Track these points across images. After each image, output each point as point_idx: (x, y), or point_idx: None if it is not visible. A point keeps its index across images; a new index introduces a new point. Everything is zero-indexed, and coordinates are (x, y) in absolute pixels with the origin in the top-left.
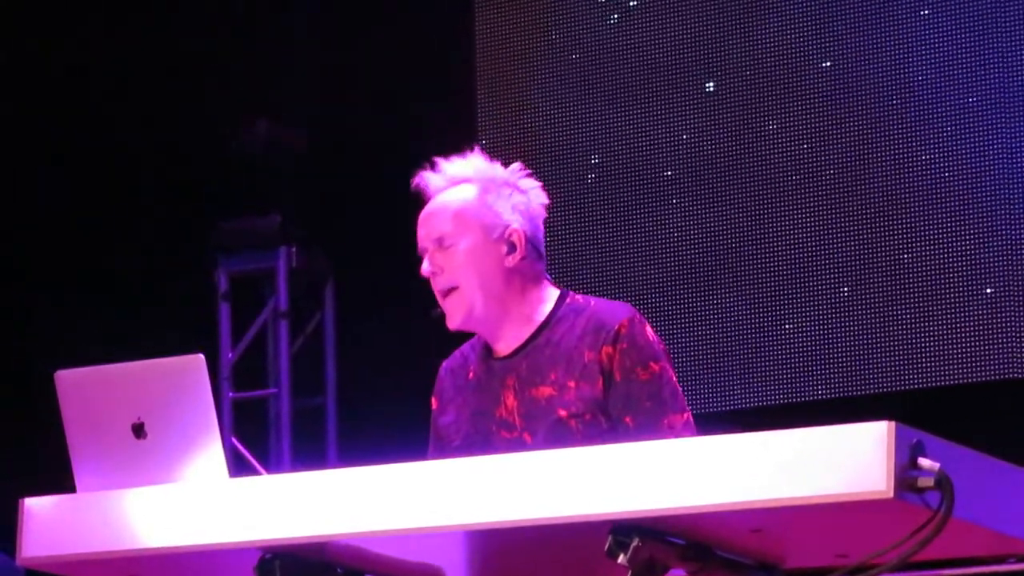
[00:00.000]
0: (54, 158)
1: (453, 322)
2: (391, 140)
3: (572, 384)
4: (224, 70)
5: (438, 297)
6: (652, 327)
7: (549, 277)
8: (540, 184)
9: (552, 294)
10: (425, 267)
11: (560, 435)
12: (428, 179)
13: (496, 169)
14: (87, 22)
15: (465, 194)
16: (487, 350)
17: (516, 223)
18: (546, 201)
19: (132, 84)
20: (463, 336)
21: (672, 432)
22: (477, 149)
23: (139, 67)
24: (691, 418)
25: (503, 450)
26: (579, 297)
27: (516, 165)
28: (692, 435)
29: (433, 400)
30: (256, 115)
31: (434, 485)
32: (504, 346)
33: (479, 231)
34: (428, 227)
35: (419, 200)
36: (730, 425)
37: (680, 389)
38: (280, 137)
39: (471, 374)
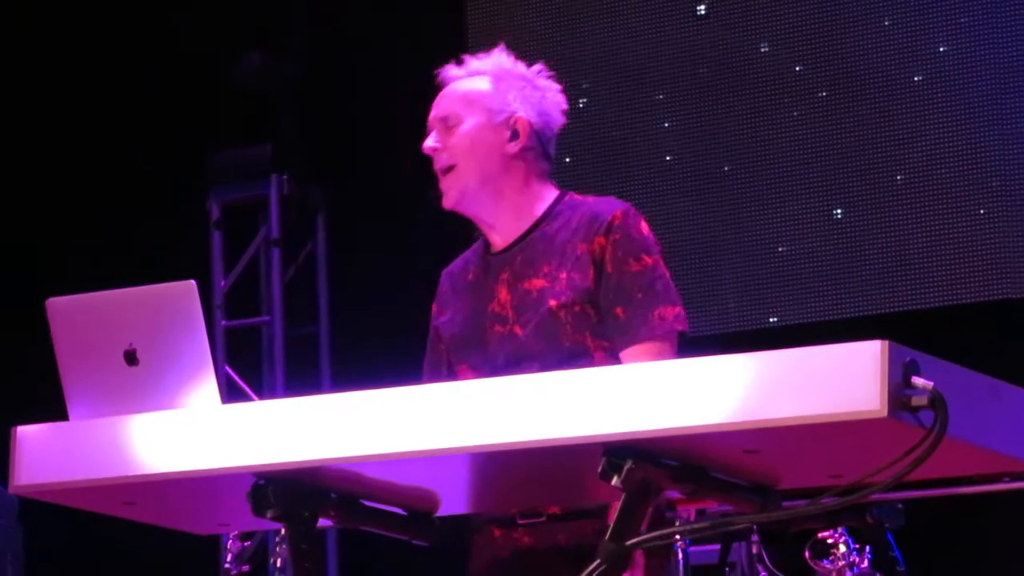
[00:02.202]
0: (45, 89)
1: (448, 200)
2: (382, 70)
3: (563, 275)
4: (217, 3)
5: (438, 177)
6: (647, 223)
7: (553, 180)
8: (561, 89)
9: (552, 193)
10: (428, 142)
11: (550, 327)
12: (449, 70)
13: (518, 66)
14: None
15: (479, 80)
16: (485, 247)
17: (522, 112)
18: (565, 106)
19: (124, 14)
20: (456, 254)
21: (663, 323)
22: (503, 47)
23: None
24: (683, 313)
25: (495, 344)
26: (577, 196)
27: (539, 65)
28: (683, 329)
29: (433, 306)
30: (249, 45)
31: (427, 409)
32: (500, 239)
33: (484, 113)
34: (437, 107)
35: (412, 128)
36: (724, 348)
37: (672, 283)
38: (273, 67)
39: (470, 275)
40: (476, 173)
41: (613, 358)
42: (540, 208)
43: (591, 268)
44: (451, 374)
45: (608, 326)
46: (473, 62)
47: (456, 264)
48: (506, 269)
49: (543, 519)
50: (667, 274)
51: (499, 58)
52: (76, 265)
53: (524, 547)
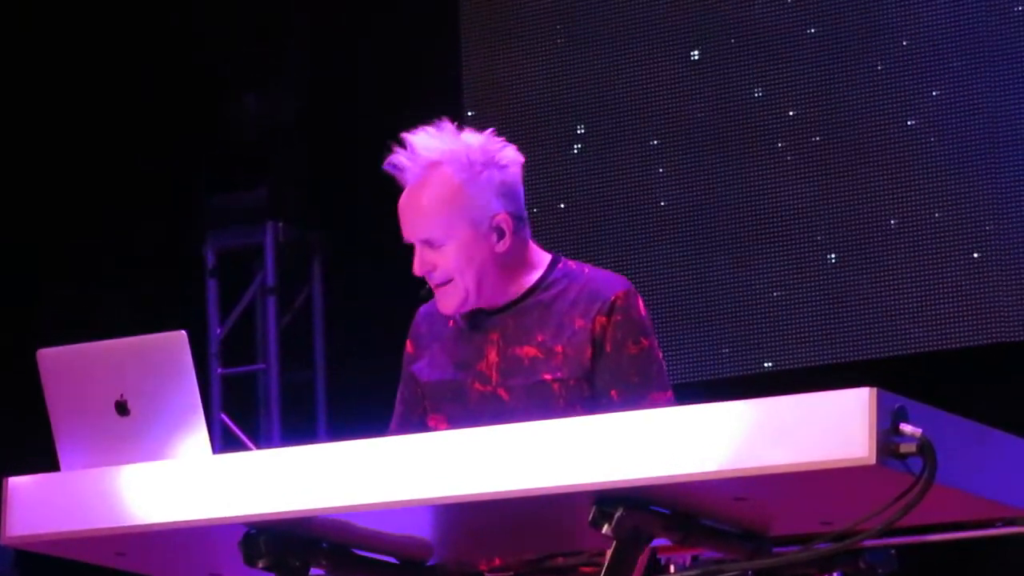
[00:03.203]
0: (40, 134)
1: (447, 308)
2: (378, 114)
3: (559, 349)
4: (212, 44)
5: (431, 285)
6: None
7: (535, 240)
8: (511, 145)
9: (543, 258)
10: (417, 268)
11: (541, 397)
12: (400, 162)
13: (469, 144)
14: None
15: (444, 188)
16: None
17: (499, 206)
18: (521, 160)
19: (119, 58)
20: None
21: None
22: (446, 121)
23: (126, 41)
24: (673, 396)
25: (475, 403)
26: (572, 263)
27: (487, 132)
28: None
29: (408, 343)
30: (244, 90)
31: (418, 458)
32: (490, 307)
33: (466, 227)
34: (412, 227)
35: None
36: (715, 393)
37: (665, 367)
38: (267, 113)
39: (451, 323)
40: (474, 282)
41: None
42: (534, 276)
43: (589, 346)
44: (424, 415)
45: (601, 405)
46: (419, 145)
47: (433, 304)
48: (496, 330)
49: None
50: (661, 356)
51: (447, 138)
52: (69, 314)
53: None
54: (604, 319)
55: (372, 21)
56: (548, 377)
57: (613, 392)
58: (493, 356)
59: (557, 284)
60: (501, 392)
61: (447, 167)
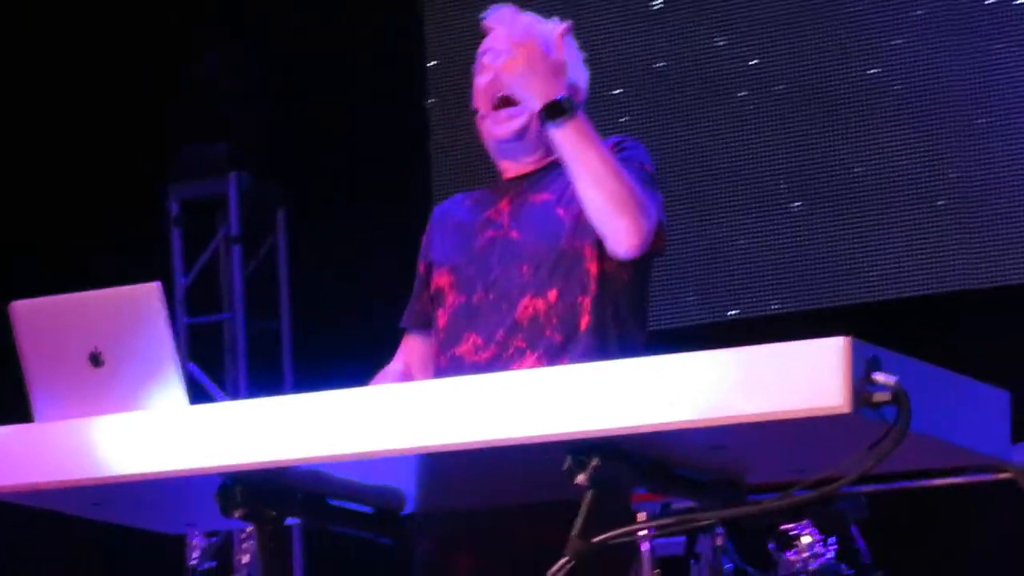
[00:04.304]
0: (8, 89)
1: (504, 130)
2: (343, 66)
3: (571, 190)
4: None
5: (488, 102)
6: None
7: None
8: None
9: None
10: (495, 59)
11: (549, 229)
12: (509, 8)
13: None
14: None
15: (551, 24)
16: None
17: (584, 78)
18: None
19: (83, 8)
20: (408, 272)
21: (654, 202)
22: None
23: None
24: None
25: (485, 246)
26: None
27: None
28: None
29: (423, 238)
30: (209, 41)
31: (392, 408)
32: (515, 171)
33: (558, 58)
34: (513, 27)
35: (372, 123)
36: (681, 341)
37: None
38: (232, 64)
39: (468, 201)
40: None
41: (603, 273)
42: (553, 156)
43: None
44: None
45: None
46: (533, 14)
47: (451, 198)
48: (513, 188)
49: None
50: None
51: (561, 24)
52: (37, 266)
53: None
54: (615, 145)
55: None
56: (561, 211)
57: None
58: (505, 205)
59: None
60: (512, 233)
61: (558, 24)
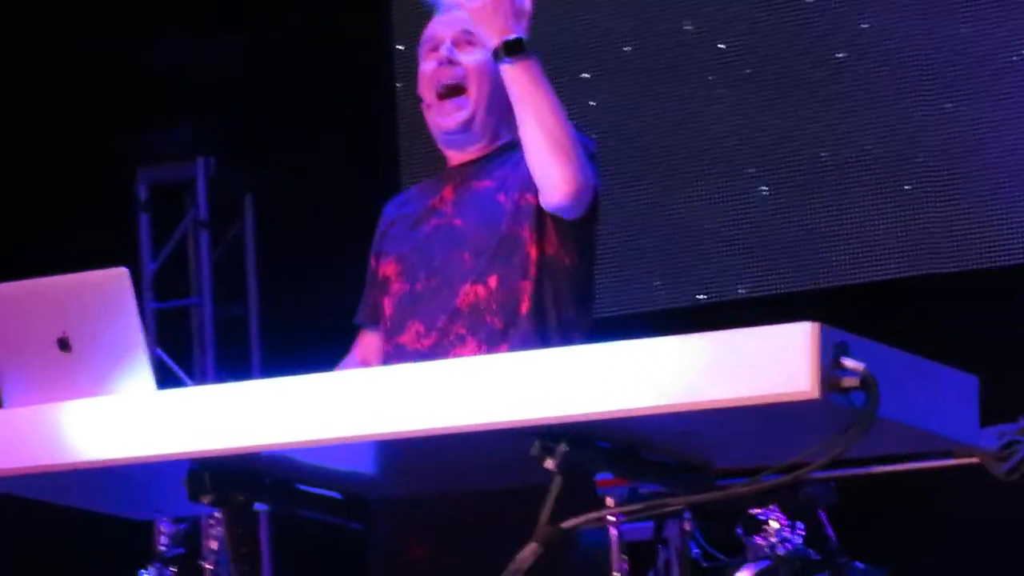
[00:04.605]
0: None
1: (450, 122)
2: (310, 50)
3: (515, 177)
4: None
5: (432, 91)
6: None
7: None
8: None
9: (515, 135)
10: (443, 52)
11: (489, 214)
12: None
13: None
14: None
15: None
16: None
17: (527, 5)
18: None
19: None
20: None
21: (593, 169)
22: None
23: None
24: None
25: (429, 236)
26: None
27: None
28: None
29: (375, 238)
30: (177, 26)
31: (360, 394)
32: (458, 159)
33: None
34: (455, 19)
35: (339, 108)
36: (649, 326)
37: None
38: (199, 48)
39: (415, 191)
40: (484, 98)
41: (543, 258)
42: (502, 142)
43: None
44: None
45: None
46: None
47: (401, 193)
48: (458, 176)
49: None
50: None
51: None
52: (3, 250)
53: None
54: None
55: None
56: (502, 197)
57: None
58: (449, 194)
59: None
60: (456, 221)
61: None
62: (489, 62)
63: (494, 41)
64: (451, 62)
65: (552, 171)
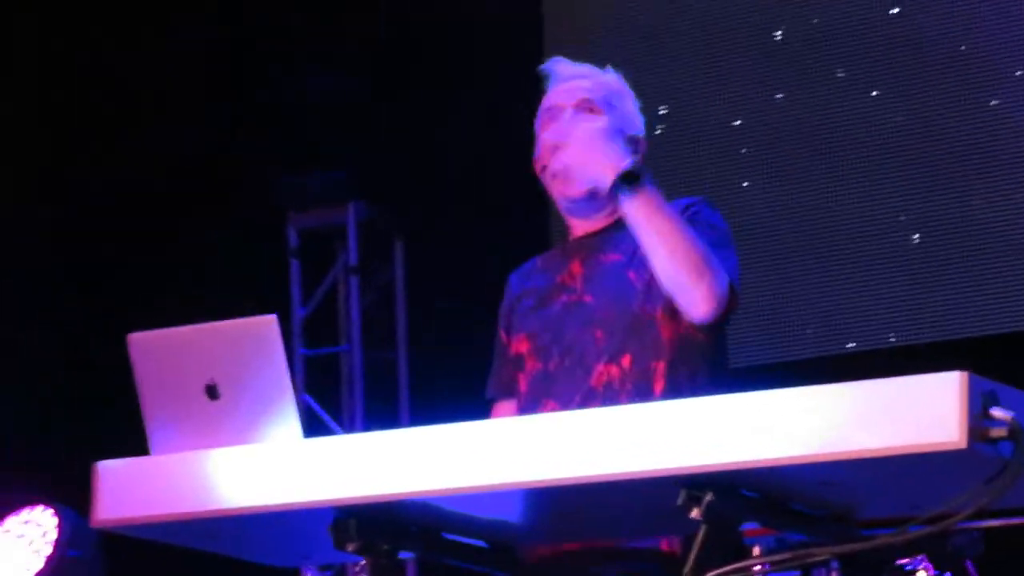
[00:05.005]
0: (125, 120)
1: (575, 189)
2: (457, 94)
3: (641, 250)
4: (286, 22)
5: (546, 174)
6: None
7: None
8: None
9: None
10: (554, 132)
11: (621, 293)
12: (563, 62)
13: None
14: None
15: (613, 82)
16: (563, 240)
17: (642, 134)
18: None
19: (199, 45)
20: None
21: (726, 265)
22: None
23: (200, 26)
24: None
25: (560, 311)
26: None
27: None
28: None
29: (501, 307)
30: (322, 67)
31: (505, 443)
32: (582, 230)
33: (620, 118)
34: (575, 88)
35: (489, 153)
36: (799, 374)
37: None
38: (347, 92)
39: (540, 263)
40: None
41: (676, 338)
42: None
43: None
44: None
45: None
46: (588, 65)
47: (525, 264)
48: (584, 249)
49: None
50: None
51: (615, 74)
52: (157, 297)
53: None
54: (686, 208)
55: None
56: (632, 275)
57: None
58: (578, 268)
59: None
60: (586, 298)
61: (613, 74)
62: (609, 129)
63: (609, 177)
64: (561, 143)
65: (689, 296)
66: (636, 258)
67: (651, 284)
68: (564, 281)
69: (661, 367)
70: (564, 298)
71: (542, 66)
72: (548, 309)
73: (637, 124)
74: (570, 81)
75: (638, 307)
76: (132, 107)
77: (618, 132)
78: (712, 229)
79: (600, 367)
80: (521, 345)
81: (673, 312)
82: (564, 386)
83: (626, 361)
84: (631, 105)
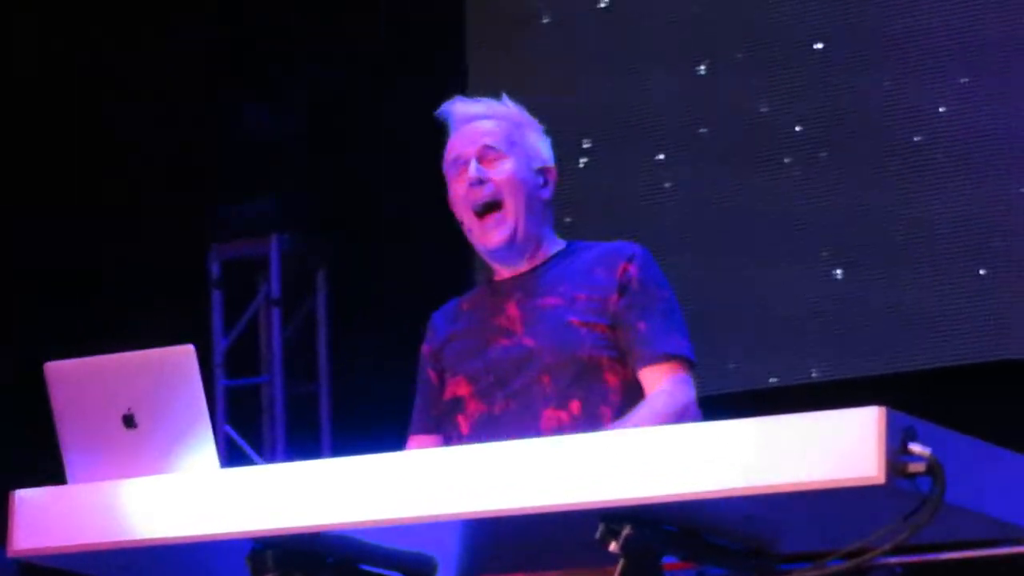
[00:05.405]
0: (45, 146)
1: (494, 239)
2: (382, 125)
3: (583, 296)
4: (219, 55)
5: (470, 212)
6: None
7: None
8: None
9: (560, 242)
10: (472, 172)
11: (567, 340)
12: (460, 103)
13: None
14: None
15: (510, 111)
16: (488, 282)
17: (550, 162)
18: None
19: (126, 71)
20: None
21: (682, 347)
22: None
23: (135, 55)
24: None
25: (499, 356)
26: (584, 243)
27: None
28: (694, 362)
29: (424, 348)
30: (248, 101)
31: (424, 475)
32: (509, 273)
33: (525, 154)
34: (475, 134)
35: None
36: (720, 408)
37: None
38: (273, 121)
39: (465, 305)
40: (524, 215)
41: (623, 384)
42: (554, 248)
43: (615, 291)
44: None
45: (627, 339)
46: (484, 101)
47: (448, 305)
48: (517, 291)
49: None
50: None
51: (512, 105)
52: (74, 326)
53: None
54: (628, 265)
55: (375, 31)
56: (575, 320)
57: (640, 324)
58: (514, 311)
59: (573, 255)
60: (526, 341)
61: (513, 112)
62: (519, 170)
63: None
64: (481, 181)
65: None
66: (577, 303)
67: (595, 331)
68: (501, 324)
69: (609, 412)
70: (504, 341)
71: (438, 111)
72: (487, 352)
73: (543, 154)
74: (470, 124)
75: (585, 354)
76: (59, 131)
77: (524, 172)
78: (661, 300)
79: (548, 412)
80: (459, 388)
81: (620, 358)
82: (512, 429)
83: (575, 407)
84: (534, 136)
